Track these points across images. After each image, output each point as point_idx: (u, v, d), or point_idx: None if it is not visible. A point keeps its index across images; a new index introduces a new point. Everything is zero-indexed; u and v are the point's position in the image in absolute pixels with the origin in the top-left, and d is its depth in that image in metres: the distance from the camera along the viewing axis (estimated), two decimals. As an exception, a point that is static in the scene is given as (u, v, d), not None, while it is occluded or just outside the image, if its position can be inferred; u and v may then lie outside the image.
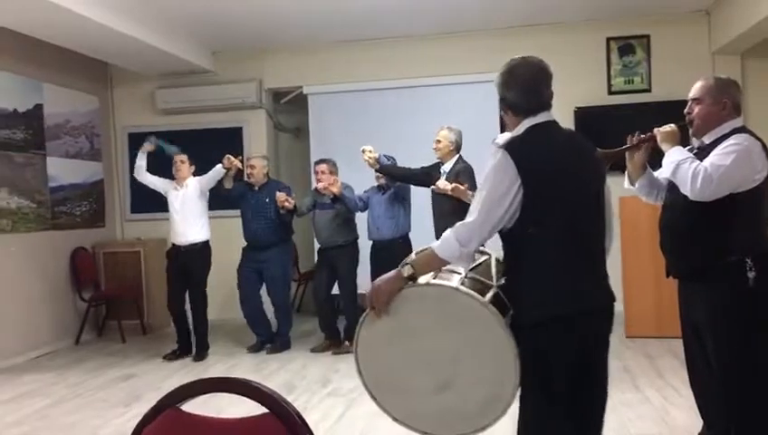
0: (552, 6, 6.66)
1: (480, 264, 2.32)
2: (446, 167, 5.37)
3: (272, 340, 6.25)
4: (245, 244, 6.24)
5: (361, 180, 6.17)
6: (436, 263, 2.15)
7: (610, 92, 7.18)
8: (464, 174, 5.21)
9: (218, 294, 6.67)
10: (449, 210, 5.24)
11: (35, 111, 6.66)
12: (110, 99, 8.00)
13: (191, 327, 6.12)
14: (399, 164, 5.86)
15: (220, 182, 6.03)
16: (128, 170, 7.95)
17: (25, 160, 6.50)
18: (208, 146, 6.97)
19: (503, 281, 2.21)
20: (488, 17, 6.88)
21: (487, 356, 2.08)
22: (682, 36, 7.01)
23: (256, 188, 6.14)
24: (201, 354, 6.03)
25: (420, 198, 5.78)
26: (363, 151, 5.56)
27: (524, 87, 2.19)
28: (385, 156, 5.70)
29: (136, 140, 7.85)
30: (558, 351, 2.08)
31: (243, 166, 6.09)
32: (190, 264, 5.97)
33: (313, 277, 6.46)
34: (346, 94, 7.61)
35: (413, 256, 2.28)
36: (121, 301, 7.15)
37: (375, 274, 5.80)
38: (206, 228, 6.06)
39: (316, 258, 6.33)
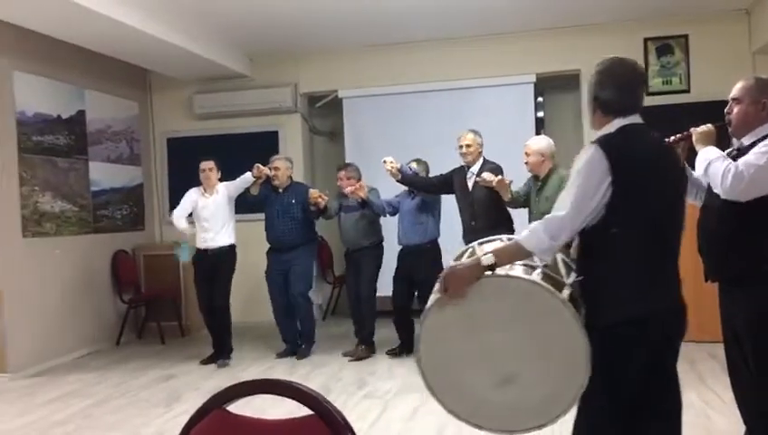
0: (588, 7, 6.61)
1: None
2: (474, 169, 5.41)
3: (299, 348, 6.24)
4: (269, 247, 6.21)
5: (394, 184, 6.18)
6: (520, 254, 2.15)
7: (648, 93, 6.98)
8: (497, 171, 5.23)
9: (241, 297, 6.65)
10: (480, 212, 5.25)
11: (78, 117, 6.83)
12: (150, 104, 8.15)
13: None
14: (433, 167, 5.88)
15: (247, 189, 6.07)
16: (166, 174, 8.11)
17: (68, 165, 6.66)
18: (244, 150, 7.06)
19: (573, 279, 2.20)
20: (523, 19, 6.85)
21: (557, 354, 2.07)
22: (721, 36, 6.89)
23: (280, 190, 6.15)
24: (224, 359, 6.01)
25: (448, 204, 5.82)
26: (384, 162, 5.59)
27: (620, 87, 2.20)
28: (408, 166, 5.73)
29: (174, 145, 8.05)
30: (631, 353, 2.08)
31: (270, 173, 6.08)
32: (217, 267, 5.99)
33: (345, 282, 6.48)
34: (381, 98, 7.64)
35: (487, 246, 2.26)
36: (160, 303, 7.28)
37: (399, 277, 5.90)
38: (233, 234, 6.09)
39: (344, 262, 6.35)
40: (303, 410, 1.25)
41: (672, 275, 2.20)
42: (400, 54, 7.53)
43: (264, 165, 6.00)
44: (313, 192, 5.97)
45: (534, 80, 7.29)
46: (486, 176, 5.05)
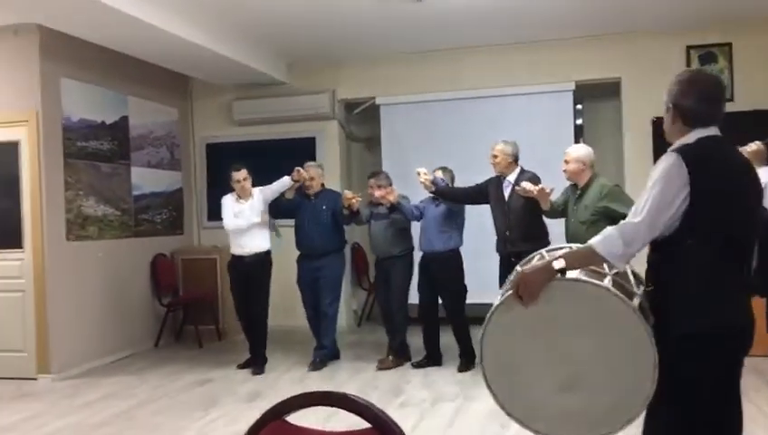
0: (629, 15, 6.53)
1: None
2: (511, 178, 5.38)
3: (337, 355, 6.27)
4: (299, 254, 6.21)
5: (424, 191, 6.14)
6: (591, 259, 2.14)
7: (690, 102, 6.97)
8: (534, 181, 5.19)
9: (276, 302, 6.52)
10: (516, 222, 5.22)
11: (121, 123, 6.96)
12: (190, 110, 8.27)
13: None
14: (470, 176, 5.83)
15: (281, 193, 6.06)
16: (205, 179, 8.22)
17: (111, 170, 6.79)
18: (282, 156, 7.12)
19: (642, 289, 2.18)
20: (563, 26, 6.80)
21: (624, 362, 2.05)
22: (766, 44, 6.76)
23: (312, 196, 6.13)
24: (260, 367, 5.97)
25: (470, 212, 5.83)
26: (418, 174, 5.57)
27: (703, 97, 2.17)
28: (441, 178, 5.70)
29: (213, 151, 8.15)
30: (702, 366, 2.06)
31: (307, 177, 6.04)
32: (253, 274, 5.95)
33: (375, 291, 6.41)
34: (418, 105, 7.64)
35: (557, 252, 2.25)
36: (198, 306, 7.37)
37: (423, 284, 5.86)
38: (268, 238, 6.06)
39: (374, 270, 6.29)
40: (354, 422, 1.26)
41: (744, 288, 2.17)
42: (439, 62, 7.53)
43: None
44: (347, 193, 5.94)
45: (573, 87, 7.23)
46: (526, 185, 4.99)
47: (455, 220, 5.76)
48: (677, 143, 2.17)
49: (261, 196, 6.00)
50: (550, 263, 2.11)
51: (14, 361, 5.96)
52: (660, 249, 2.13)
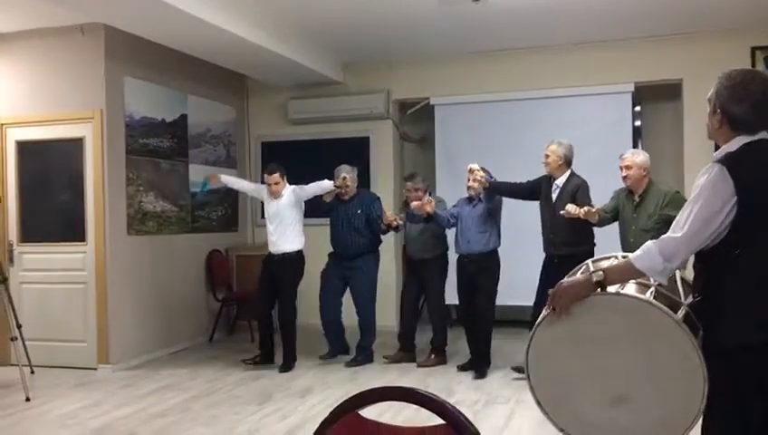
0: (691, 14, 6.37)
1: None
2: (559, 181, 5.32)
3: (346, 351, 6.25)
4: (332, 251, 6.25)
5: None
6: (631, 274, 2.09)
7: (755, 105, 6.77)
8: (582, 190, 5.16)
9: (304, 301, 6.50)
10: (561, 226, 5.16)
11: (180, 121, 7.11)
12: (246, 109, 8.40)
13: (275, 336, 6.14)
14: (525, 177, 5.77)
15: (320, 195, 6.07)
16: (260, 178, 8.31)
17: (170, 167, 6.94)
18: (336, 155, 7.15)
19: (690, 300, 2.13)
20: (623, 27, 6.68)
21: (672, 376, 2.01)
22: (837, 44, 6.53)
23: (346, 198, 6.11)
24: (288, 365, 5.96)
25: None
26: (472, 171, 5.54)
27: (755, 104, 2.06)
28: (488, 172, 5.64)
29: (268, 149, 8.26)
30: (754, 379, 1.98)
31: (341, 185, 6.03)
32: (281, 273, 5.97)
33: (405, 288, 6.32)
34: (473, 105, 7.60)
35: (602, 263, 2.22)
36: (251, 302, 7.45)
37: (462, 287, 5.82)
38: (300, 238, 6.03)
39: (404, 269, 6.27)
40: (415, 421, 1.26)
41: None
42: (494, 62, 7.49)
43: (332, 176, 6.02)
44: (389, 215, 5.96)
45: (633, 89, 7.10)
46: (572, 209, 4.86)
47: (493, 220, 5.72)
48: (721, 151, 2.09)
49: (293, 196, 6.00)
50: (589, 276, 2.07)
51: (75, 351, 6.15)
52: (706, 259, 2.07)
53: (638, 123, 7.48)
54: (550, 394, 2.17)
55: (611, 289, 2.10)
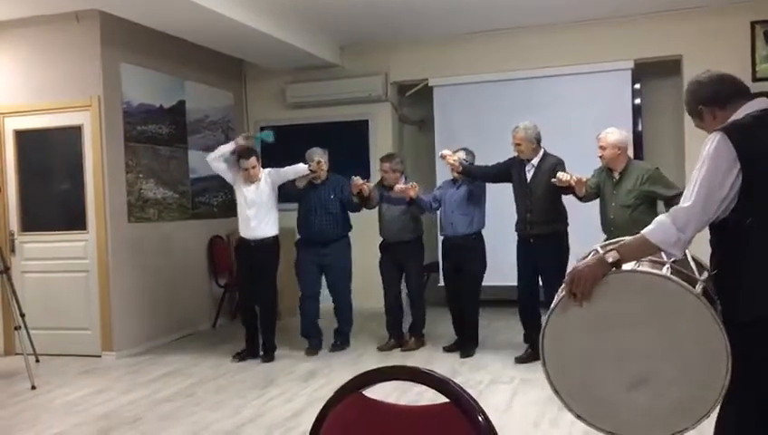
0: (691, -10, 6.33)
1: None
2: (534, 161, 5.35)
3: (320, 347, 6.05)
4: (298, 239, 6.11)
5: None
6: (645, 249, 2.07)
7: (755, 79, 6.71)
8: (560, 167, 5.19)
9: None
10: (537, 205, 5.24)
11: (179, 107, 7.08)
12: (244, 94, 8.37)
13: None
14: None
15: (291, 180, 5.88)
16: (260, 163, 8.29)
17: (170, 154, 6.92)
18: (335, 139, 7.13)
19: (705, 275, 2.11)
20: (621, 2, 6.63)
21: (693, 353, 1.97)
22: (839, 17, 6.48)
23: (318, 182, 5.94)
24: (270, 355, 5.81)
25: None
26: (444, 157, 5.57)
27: (713, 81, 2.20)
28: (464, 159, 5.63)
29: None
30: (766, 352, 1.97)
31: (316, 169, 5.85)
32: (261, 260, 5.77)
33: (382, 274, 6.12)
34: (472, 86, 7.56)
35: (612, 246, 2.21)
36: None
37: (447, 269, 5.84)
38: (277, 223, 5.87)
39: (379, 254, 6.12)
40: (427, 399, 1.26)
41: None
42: (492, 42, 7.44)
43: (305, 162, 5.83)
44: (356, 179, 5.77)
45: (632, 66, 7.06)
46: (562, 176, 4.91)
47: (477, 202, 5.70)
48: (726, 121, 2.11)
49: (269, 179, 5.82)
50: (603, 257, 2.05)
51: (79, 338, 6.17)
52: (720, 231, 2.06)
53: (637, 101, 7.45)
54: (567, 380, 2.13)
55: (626, 267, 2.07)
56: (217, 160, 5.88)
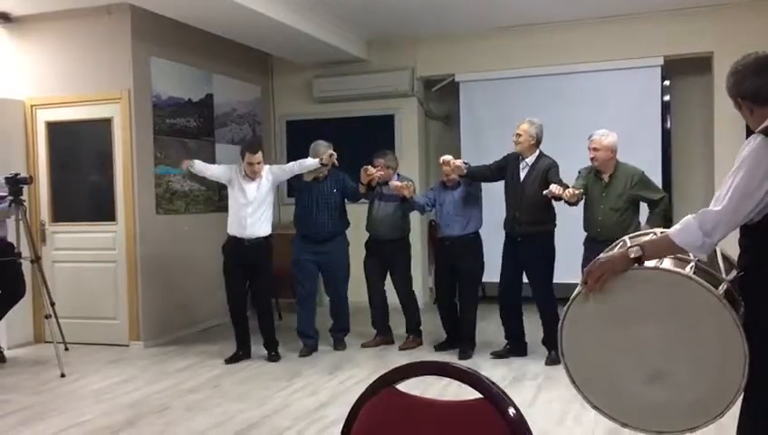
0: (723, -14, 6.25)
1: None
2: (529, 160, 5.34)
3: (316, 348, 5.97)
4: (297, 235, 6.04)
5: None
6: (669, 249, 2.05)
7: (788, 77, 6.62)
8: (553, 170, 5.19)
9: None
10: (526, 205, 5.23)
11: (206, 101, 7.15)
12: (271, 88, 8.42)
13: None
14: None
15: (299, 175, 5.75)
16: (285, 156, 8.35)
17: (197, 147, 6.99)
18: (361, 133, 7.16)
19: (732, 276, 2.09)
20: (651, -1, 6.57)
21: (711, 353, 1.96)
22: None
23: (321, 175, 5.83)
24: (275, 354, 5.73)
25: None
26: (447, 163, 5.52)
27: (757, 72, 2.08)
28: (463, 161, 5.64)
29: (293, 128, 8.28)
30: None
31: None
32: (257, 259, 5.63)
33: (368, 273, 6.08)
34: (498, 82, 7.54)
35: (640, 239, 2.18)
36: (278, 280, 7.49)
37: (442, 270, 5.79)
38: (270, 222, 5.75)
39: (364, 251, 6.08)
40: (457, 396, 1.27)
41: None
42: (519, 38, 7.40)
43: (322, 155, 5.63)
44: (370, 168, 5.65)
45: (662, 63, 6.98)
46: (555, 190, 4.86)
47: (474, 203, 5.68)
48: (765, 123, 2.04)
49: (271, 176, 5.67)
50: (626, 251, 2.03)
51: (107, 328, 6.27)
52: (750, 234, 2.03)
53: (666, 98, 7.37)
54: (584, 371, 2.14)
55: (649, 264, 2.05)
56: (200, 170, 5.71)
